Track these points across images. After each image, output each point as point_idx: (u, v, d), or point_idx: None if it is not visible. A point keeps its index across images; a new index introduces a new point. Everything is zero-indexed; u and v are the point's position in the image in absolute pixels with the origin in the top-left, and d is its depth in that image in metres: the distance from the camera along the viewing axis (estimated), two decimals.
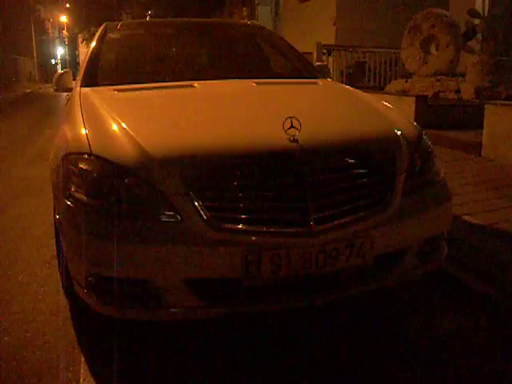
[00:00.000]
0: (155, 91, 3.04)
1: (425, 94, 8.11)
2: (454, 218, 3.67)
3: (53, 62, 55.05)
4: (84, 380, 2.15)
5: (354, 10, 13.50)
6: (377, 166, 2.34)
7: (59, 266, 2.48)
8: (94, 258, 2.14)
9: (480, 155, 5.80)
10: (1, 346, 2.40)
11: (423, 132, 2.69)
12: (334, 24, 13.50)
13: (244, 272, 2.06)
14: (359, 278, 2.28)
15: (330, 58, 10.77)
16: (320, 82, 3.48)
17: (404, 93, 8.45)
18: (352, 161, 2.30)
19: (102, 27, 3.91)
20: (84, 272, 2.20)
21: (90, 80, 3.28)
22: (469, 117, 6.73)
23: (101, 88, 3.15)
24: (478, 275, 2.95)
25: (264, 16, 18.62)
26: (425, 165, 2.55)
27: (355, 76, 11.29)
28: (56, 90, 3.42)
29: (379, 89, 9.79)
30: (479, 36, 8.22)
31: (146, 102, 2.88)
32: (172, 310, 2.16)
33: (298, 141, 2.17)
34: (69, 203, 2.24)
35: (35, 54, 39.37)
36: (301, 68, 3.80)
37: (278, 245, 2.08)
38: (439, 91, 8.47)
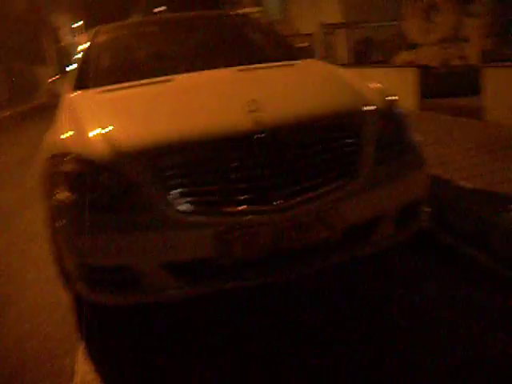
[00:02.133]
0: (137, 89, 3.14)
1: (431, 63, 8.05)
2: (449, 182, 3.80)
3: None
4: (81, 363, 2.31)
5: None
6: (342, 139, 2.41)
7: (58, 264, 2.63)
8: (80, 250, 2.30)
9: (481, 119, 5.76)
10: (8, 336, 2.61)
11: (395, 102, 2.74)
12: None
13: (216, 252, 2.18)
14: (331, 249, 2.37)
15: (335, 37, 10.71)
16: (301, 62, 3.54)
17: (409, 64, 8.38)
18: (315, 137, 2.37)
19: (93, 31, 4.05)
20: (74, 264, 2.36)
21: (81, 84, 3.41)
22: (471, 82, 6.66)
23: (89, 91, 3.27)
24: (465, 239, 3.01)
25: (271, 0, 18.55)
26: (397, 134, 2.61)
27: (365, 52, 11.22)
28: (49, 97, 3.56)
29: (385, 62, 9.71)
30: None
31: (125, 101, 2.99)
32: (153, 292, 2.30)
33: (260, 122, 2.26)
34: (54, 202, 2.39)
35: (55, 62, 40.00)
36: (284, 51, 3.86)
37: (247, 223, 2.19)
38: (445, 59, 8.38)
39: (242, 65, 3.39)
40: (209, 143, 2.26)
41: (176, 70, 3.42)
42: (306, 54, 3.94)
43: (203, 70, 3.37)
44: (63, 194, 2.35)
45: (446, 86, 6.94)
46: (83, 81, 3.46)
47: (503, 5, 7.81)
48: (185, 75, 3.25)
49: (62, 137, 2.58)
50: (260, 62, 3.47)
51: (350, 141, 2.41)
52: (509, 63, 5.62)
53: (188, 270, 2.27)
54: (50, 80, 3.64)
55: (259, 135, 2.23)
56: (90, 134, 2.46)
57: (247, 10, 15.79)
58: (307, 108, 2.50)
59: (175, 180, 2.22)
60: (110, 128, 2.49)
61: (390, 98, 2.73)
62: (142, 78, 3.31)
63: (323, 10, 14.06)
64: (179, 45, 3.97)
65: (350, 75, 3.07)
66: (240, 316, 2.60)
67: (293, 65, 3.47)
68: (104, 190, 2.28)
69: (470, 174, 3.93)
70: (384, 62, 9.94)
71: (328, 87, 2.91)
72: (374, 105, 2.59)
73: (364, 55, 10.98)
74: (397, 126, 2.63)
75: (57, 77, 3.67)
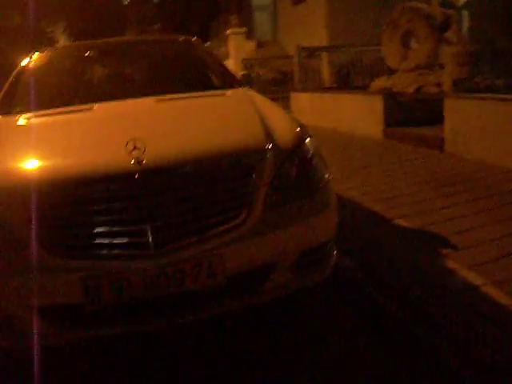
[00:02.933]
0: (49, 118, 3.04)
1: (406, 89, 7.96)
2: (384, 220, 3.68)
3: None
4: None
5: (345, 11, 13.34)
6: (229, 181, 2.27)
7: None
8: None
9: (443, 150, 5.66)
10: None
11: (305, 138, 2.61)
12: (325, 27, 13.34)
13: (85, 298, 2.05)
14: (214, 297, 2.23)
15: (318, 60, 10.67)
16: (230, 92, 3.43)
17: (383, 90, 8.30)
18: (199, 178, 2.23)
19: (30, 55, 3.96)
20: None
21: (4, 108, 3.34)
22: (438, 111, 6.57)
23: (9, 117, 3.18)
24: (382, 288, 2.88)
25: (261, 21, 18.62)
26: (300, 175, 2.48)
27: (347, 77, 11.17)
28: None
29: (364, 88, 9.65)
30: (455, 27, 8.04)
31: (33, 130, 2.90)
32: (22, 336, 2.17)
33: (140, 162, 2.14)
34: None
35: None
36: (219, 80, 3.76)
37: (117, 269, 2.06)
38: (420, 86, 8.30)
39: (169, 93, 3.29)
40: (83, 183, 2.14)
41: (102, 98, 3.32)
42: (246, 82, 3.88)
43: (128, 97, 3.28)
44: None
45: (413, 114, 6.84)
46: (4, 105, 3.37)
47: (480, 32, 7.76)
48: (104, 104, 3.14)
49: None
50: (189, 91, 3.37)
51: (239, 182, 2.28)
52: (468, 94, 5.53)
53: (60, 315, 2.15)
54: None
55: (135, 175, 2.10)
56: None
57: (232, 30, 15.81)
58: (194, 147, 2.35)
59: (47, 221, 2.10)
60: (4, 162, 2.37)
61: (298, 136, 2.60)
62: (66, 105, 3.22)
63: (312, 34, 14.09)
64: (112, 71, 3.89)
65: (270, 109, 2.94)
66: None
67: (220, 95, 3.36)
68: None
69: (409, 212, 3.81)
70: (364, 88, 9.88)
71: (231, 122, 2.76)
72: (277, 144, 2.44)
73: (346, 79, 10.93)
74: (300, 166, 2.49)
75: None
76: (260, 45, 17.58)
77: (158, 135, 2.44)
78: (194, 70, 3.95)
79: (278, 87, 14.50)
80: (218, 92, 3.41)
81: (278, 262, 2.33)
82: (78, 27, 23.33)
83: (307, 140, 2.62)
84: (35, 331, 2.13)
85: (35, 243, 2.06)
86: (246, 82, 3.89)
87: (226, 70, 3.90)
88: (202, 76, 3.86)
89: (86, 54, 4.04)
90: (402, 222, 3.65)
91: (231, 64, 15.71)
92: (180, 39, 4.31)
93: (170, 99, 3.17)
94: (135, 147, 2.17)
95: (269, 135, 2.49)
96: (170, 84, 3.65)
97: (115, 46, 4.31)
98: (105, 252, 2.08)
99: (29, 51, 4.10)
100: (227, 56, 16.24)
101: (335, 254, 2.62)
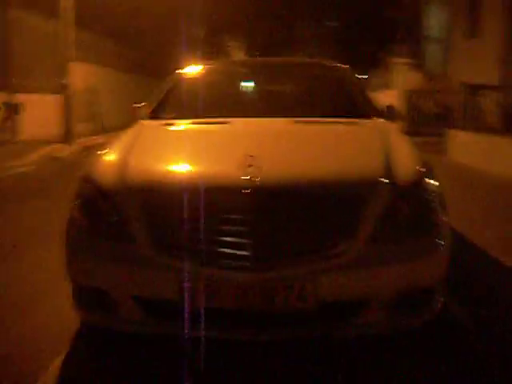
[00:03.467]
0: (192, 126, 3.34)
1: None
2: None
3: None
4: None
5: None
6: (338, 210, 2.28)
7: None
8: (72, 266, 2.49)
9: None
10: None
11: (426, 178, 2.54)
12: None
13: (179, 297, 2.19)
14: (302, 321, 2.25)
15: (483, 99, 10.09)
16: (366, 122, 3.43)
17: None
18: (307, 203, 2.27)
19: (182, 69, 4.33)
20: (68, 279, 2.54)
21: (154, 114, 3.71)
22: None
23: (156, 121, 3.53)
24: None
25: (433, 54, 18.06)
26: (416, 213, 2.41)
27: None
28: (132, 121, 3.82)
29: None
30: None
31: (170, 136, 3.21)
32: (125, 321, 2.38)
33: (253, 179, 2.23)
34: (68, 218, 2.58)
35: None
36: (360, 109, 3.75)
37: (212, 276, 2.18)
38: None
39: (306, 116, 3.40)
40: (200, 191, 2.28)
41: (242, 114, 3.54)
42: (390, 113, 3.83)
43: (267, 116, 3.46)
44: (74, 213, 2.54)
45: None
46: (156, 111, 3.73)
47: None
48: (241, 120, 3.34)
49: (96, 159, 2.79)
50: (327, 116, 3.44)
51: (346, 212, 2.28)
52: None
53: (155, 309, 2.31)
54: (134, 105, 3.91)
55: (245, 190, 2.21)
56: (120, 162, 2.62)
57: (399, 59, 15.52)
58: (308, 172, 2.40)
59: (159, 220, 2.29)
60: (137, 160, 2.64)
61: (417, 174, 2.52)
62: (208, 116, 3.48)
63: (484, 70, 13.36)
64: (258, 89, 4.08)
65: (399, 144, 2.88)
66: None
67: (354, 124, 3.37)
68: (100, 217, 2.43)
69: None
70: None
71: (354, 152, 2.77)
72: (394, 180, 2.41)
73: None
74: (415, 206, 2.42)
75: (143, 104, 3.95)
76: (428, 77, 17.09)
77: (276, 155, 2.55)
78: (337, 97, 4.00)
79: (440, 122, 14.01)
80: (354, 121, 3.42)
81: (372, 299, 2.28)
82: (251, 43, 24.65)
83: (428, 180, 2.54)
84: (136, 319, 2.34)
85: (146, 238, 2.26)
86: (388, 114, 3.82)
87: (368, 101, 3.88)
88: (344, 104, 3.89)
89: (238, 71, 4.31)
90: None
91: (394, 94, 15.47)
92: (329, 65, 4.40)
93: (305, 123, 3.27)
94: (251, 164, 2.28)
95: (387, 170, 2.46)
96: (310, 108, 3.77)
97: (265, 65, 4.52)
98: (205, 258, 2.20)
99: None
100: (390, 85, 15.99)
101: (441, 300, 2.49)
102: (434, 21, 18.44)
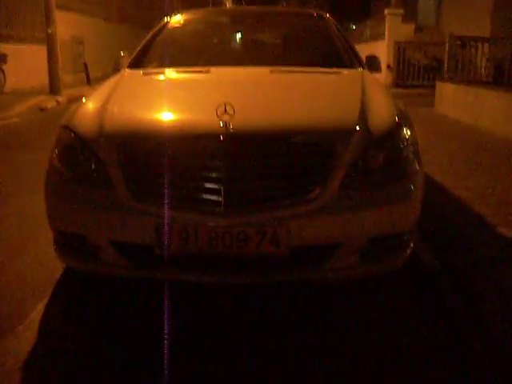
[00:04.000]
0: (171, 75, 3.33)
1: None
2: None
3: None
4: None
5: None
6: (309, 157, 2.32)
7: None
8: (53, 213, 2.54)
9: None
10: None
11: (401, 126, 2.56)
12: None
13: (155, 241, 2.26)
14: (275, 265, 2.33)
15: (473, 51, 10.01)
16: (345, 72, 3.45)
17: None
18: (280, 150, 2.30)
19: (167, 17, 4.28)
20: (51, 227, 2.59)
21: (135, 63, 3.70)
22: None
23: (137, 70, 3.53)
24: None
25: (426, 5, 17.77)
26: (389, 161, 2.45)
27: (507, 72, 10.33)
28: (113, 71, 3.81)
29: None
30: None
31: (150, 85, 3.22)
32: (105, 266, 2.45)
33: (227, 126, 2.26)
34: (48, 166, 2.61)
35: None
36: (341, 59, 3.75)
37: (188, 220, 2.24)
38: None
39: (287, 66, 3.42)
40: (173, 139, 2.32)
41: (223, 62, 3.55)
42: (372, 64, 3.85)
43: (248, 65, 3.49)
44: (54, 161, 2.57)
45: None
46: (137, 60, 3.71)
47: None
48: (220, 69, 3.35)
49: (75, 109, 2.79)
50: (307, 66, 3.45)
51: (318, 159, 2.32)
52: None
53: (132, 253, 2.38)
54: (118, 55, 3.88)
55: (218, 137, 2.24)
56: (96, 112, 2.63)
57: (390, 10, 15.28)
58: (280, 120, 2.44)
59: (136, 167, 2.33)
60: (115, 108, 2.66)
61: (392, 123, 2.55)
62: (189, 65, 3.49)
63: (476, 22, 13.21)
64: (239, 38, 4.06)
65: (376, 94, 2.90)
66: None
67: (333, 73, 3.38)
68: (78, 164, 2.46)
69: None
70: None
71: (329, 101, 2.80)
72: (368, 128, 2.44)
73: (505, 75, 10.11)
74: (388, 154, 2.46)
75: (123, 53, 3.92)
76: (419, 29, 16.88)
77: (252, 103, 2.59)
78: (318, 46, 3.99)
79: (430, 74, 13.94)
80: (333, 70, 3.43)
81: (343, 243, 2.35)
82: None
83: (403, 128, 2.58)
84: (114, 263, 2.41)
85: (123, 184, 2.30)
86: (370, 64, 3.83)
87: (351, 50, 3.86)
88: (325, 53, 3.89)
89: (222, 20, 4.27)
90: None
91: (383, 45, 15.31)
92: (313, 14, 4.36)
93: (283, 71, 3.30)
94: (226, 111, 2.30)
95: (362, 118, 2.49)
96: (291, 57, 3.78)
97: (248, 14, 4.49)
98: (180, 203, 2.26)
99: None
100: (382, 36, 15.80)
101: (411, 246, 2.57)
102: None
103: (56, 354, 2.27)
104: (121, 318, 2.57)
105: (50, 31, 12.77)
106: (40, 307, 2.62)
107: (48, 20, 12.77)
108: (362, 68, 3.62)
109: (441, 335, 2.42)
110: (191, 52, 3.81)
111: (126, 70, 3.60)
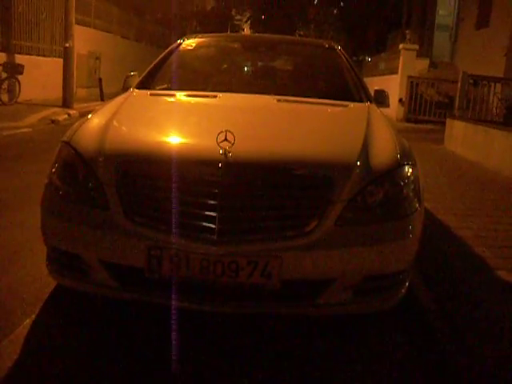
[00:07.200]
0: (179, 98, 3.35)
1: None
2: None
3: None
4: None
5: None
6: (307, 190, 2.31)
7: None
8: (47, 230, 2.52)
9: None
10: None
11: (403, 164, 2.54)
12: (505, 55, 12.51)
13: (147, 265, 2.23)
14: (265, 297, 2.29)
15: (485, 90, 10.04)
16: (352, 105, 3.44)
17: None
18: (278, 181, 2.29)
19: (181, 39, 4.32)
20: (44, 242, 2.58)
21: (144, 83, 3.72)
22: None
23: (144, 91, 3.54)
24: None
25: (441, 42, 17.91)
26: (388, 199, 2.42)
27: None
28: (122, 90, 3.84)
29: None
30: None
31: (155, 106, 3.21)
32: (95, 286, 2.42)
33: (226, 154, 2.25)
34: (47, 180, 2.61)
35: None
36: (349, 91, 3.75)
37: (180, 246, 2.21)
38: None
39: (295, 96, 3.42)
40: (173, 163, 2.29)
41: (232, 89, 3.57)
42: (380, 98, 3.85)
43: (256, 93, 3.49)
44: (52, 176, 2.56)
45: None
46: (146, 81, 3.73)
47: None
48: (228, 95, 3.37)
49: (78, 125, 2.80)
50: (315, 97, 3.45)
51: (315, 193, 2.31)
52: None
53: (123, 275, 2.35)
54: (128, 74, 3.91)
55: (216, 164, 2.22)
56: (98, 130, 2.63)
57: (405, 45, 15.37)
58: (279, 151, 2.41)
59: (132, 188, 2.32)
60: (117, 128, 2.68)
61: (392, 160, 2.52)
62: (197, 89, 3.50)
63: (491, 62, 13.28)
64: (250, 66, 4.08)
65: (380, 129, 2.88)
66: None
67: (339, 106, 3.38)
68: (76, 182, 2.46)
69: None
70: None
71: (332, 134, 2.80)
72: (369, 164, 2.42)
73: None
74: (388, 191, 2.43)
75: (133, 73, 3.95)
76: (433, 65, 16.96)
77: (254, 132, 2.60)
78: (327, 78, 4.03)
79: (442, 111, 13.94)
80: (340, 103, 3.43)
81: (337, 279, 2.31)
82: (259, 19, 24.56)
83: (405, 167, 2.55)
84: (104, 283, 2.38)
85: (119, 205, 2.29)
86: (377, 98, 3.83)
87: (359, 84, 3.87)
88: (333, 85, 3.91)
89: (233, 46, 4.30)
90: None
91: (397, 79, 15.37)
92: (325, 45, 4.38)
93: (290, 101, 3.31)
94: (226, 139, 2.28)
95: (363, 154, 2.48)
96: (300, 87, 3.80)
97: (260, 42, 4.52)
98: (174, 228, 2.23)
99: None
100: (396, 70, 15.88)
101: (406, 285, 2.53)
102: (445, 8, 18.26)
103: (38, 372, 2.23)
104: (106, 338, 2.53)
105: (67, 45, 12.92)
106: (27, 322, 2.59)
107: (66, 34, 12.95)
108: (370, 102, 3.60)
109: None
110: (200, 76, 3.84)
111: (134, 89, 3.62)
